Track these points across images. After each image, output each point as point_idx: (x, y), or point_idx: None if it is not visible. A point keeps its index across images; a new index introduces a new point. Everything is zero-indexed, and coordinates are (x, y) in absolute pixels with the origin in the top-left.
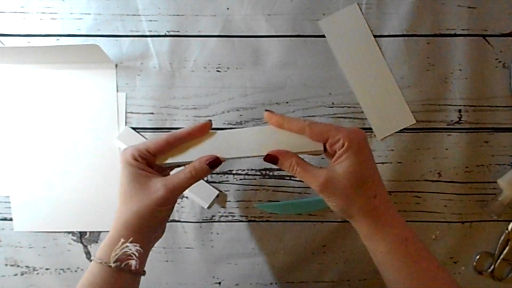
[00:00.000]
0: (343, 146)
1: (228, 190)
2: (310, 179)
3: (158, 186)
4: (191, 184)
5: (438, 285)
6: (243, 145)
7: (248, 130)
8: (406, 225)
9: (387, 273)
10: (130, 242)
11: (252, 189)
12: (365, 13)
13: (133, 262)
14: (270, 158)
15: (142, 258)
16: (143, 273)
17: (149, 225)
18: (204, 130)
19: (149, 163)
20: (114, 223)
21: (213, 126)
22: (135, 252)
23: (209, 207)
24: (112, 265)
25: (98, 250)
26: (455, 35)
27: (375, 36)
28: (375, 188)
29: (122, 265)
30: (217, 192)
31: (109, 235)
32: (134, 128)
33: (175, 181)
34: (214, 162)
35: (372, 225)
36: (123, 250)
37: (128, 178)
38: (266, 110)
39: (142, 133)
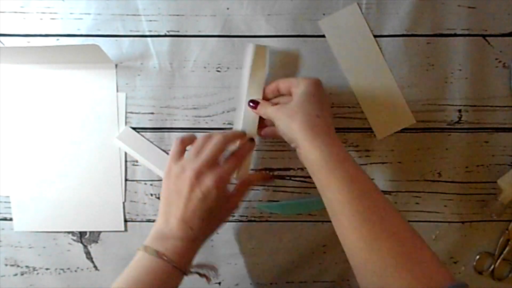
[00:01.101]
0: (299, 85)
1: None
2: (268, 109)
3: (234, 201)
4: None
5: (368, 202)
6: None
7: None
8: (345, 150)
9: (319, 186)
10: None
11: (252, 189)
12: (365, 13)
13: (211, 274)
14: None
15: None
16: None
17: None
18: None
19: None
20: (189, 232)
21: (213, 126)
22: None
23: None
24: (192, 270)
25: (152, 240)
26: (455, 35)
27: (375, 36)
28: (318, 111)
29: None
30: None
31: (177, 235)
32: (134, 128)
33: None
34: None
35: (309, 139)
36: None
37: (216, 202)
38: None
39: (142, 133)
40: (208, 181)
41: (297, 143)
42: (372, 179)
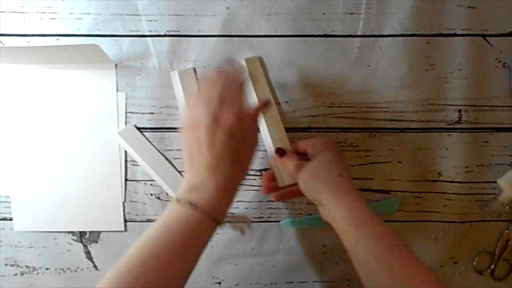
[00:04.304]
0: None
1: None
2: (292, 163)
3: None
4: None
5: (399, 259)
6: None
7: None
8: (369, 207)
9: (348, 244)
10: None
11: (252, 189)
12: (365, 13)
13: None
14: (280, 150)
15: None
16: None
17: None
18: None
19: None
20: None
21: None
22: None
23: None
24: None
25: (183, 193)
26: (455, 35)
27: (375, 36)
28: (340, 170)
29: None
30: None
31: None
32: None
33: None
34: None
35: (334, 199)
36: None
37: (240, 139)
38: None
39: (142, 133)
40: (227, 119)
41: (322, 203)
42: (372, 179)
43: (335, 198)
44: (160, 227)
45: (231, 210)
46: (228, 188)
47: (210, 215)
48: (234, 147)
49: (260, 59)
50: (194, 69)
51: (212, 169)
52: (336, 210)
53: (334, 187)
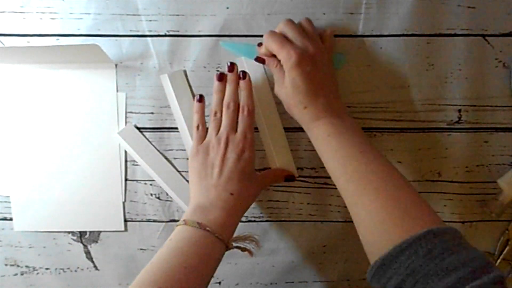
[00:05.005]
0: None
1: None
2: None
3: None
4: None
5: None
6: None
7: None
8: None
9: (324, 156)
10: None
11: None
12: (365, 13)
13: (251, 247)
14: (259, 59)
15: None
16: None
17: None
18: None
19: None
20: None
21: None
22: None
23: None
24: (233, 244)
25: (191, 214)
26: (455, 35)
27: (375, 36)
28: (305, 100)
29: (241, 245)
30: None
31: (223, 213)
32: None
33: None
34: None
35: (305, 127)
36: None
37: (250, 161)
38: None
39: (142, 133)
40: (238, 141)
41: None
42: None
43: (306, 129)
44: (172, 249)
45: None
46: (236, 207)
47: (219, 236)
48: (244, 170)
49: (184, 72)
50: (185, 71)
51: (222, 188)
52: (311, 136)
53: (302, 120)
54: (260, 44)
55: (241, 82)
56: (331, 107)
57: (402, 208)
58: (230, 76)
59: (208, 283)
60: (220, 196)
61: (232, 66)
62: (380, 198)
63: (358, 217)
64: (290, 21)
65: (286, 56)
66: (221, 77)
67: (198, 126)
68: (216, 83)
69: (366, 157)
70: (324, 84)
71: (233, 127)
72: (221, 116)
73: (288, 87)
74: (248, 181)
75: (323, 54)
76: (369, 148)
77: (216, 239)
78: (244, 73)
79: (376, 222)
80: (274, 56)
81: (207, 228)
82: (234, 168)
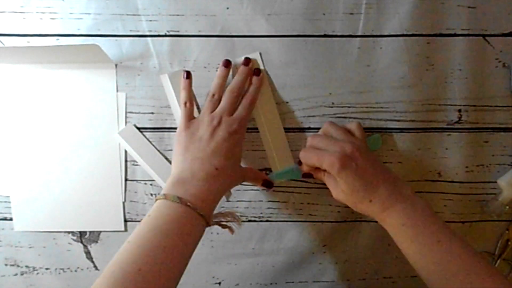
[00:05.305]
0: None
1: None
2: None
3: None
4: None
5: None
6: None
7: None
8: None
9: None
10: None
11: (253, 189)
12: (365, 13)
13: (232, 224)
14: (307, 174)
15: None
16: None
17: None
18: None
19: None
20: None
21: None
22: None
23: None
24: (214, 220)
25: (170, 188)
26: (455, 35)
27: (375, 36)
28: (368, 194)
29: (222, 222)
30: None
31: (204, 187)
32: None
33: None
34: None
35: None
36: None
37: (239, 144)
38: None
39: (142, 133)
40: (232, 122)
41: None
42: None
43: (379, 220)
44: (152, 227)
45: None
46: (218, 183)
47: (200, 212)
48: (231, 148)
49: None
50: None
51: (206, 161)
52: (385, 224)
53: (373, 214)
54: (300, 163)
55: (254, 78)
56: (395, 192)
57: None
58: (242, 68)
59: (188, 260)
60: (204, 168)
61: (247, 61)
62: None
63: None
64: (317, 134)
65: (329, 164)
66: (228, 64)
67: (185, 103)
68: (221, 68)
69: (443, 247)
70: (377, 173)
71: (230, 111)
72: (219, 98)
73: (345, 190)
74: (233, 162)
75: (360, 148)
76: (445, 235)
77: (197, 215)
78: (259, 71)
79: None
80: (318, 169)
81: (188, 204)
82: (222, 144)
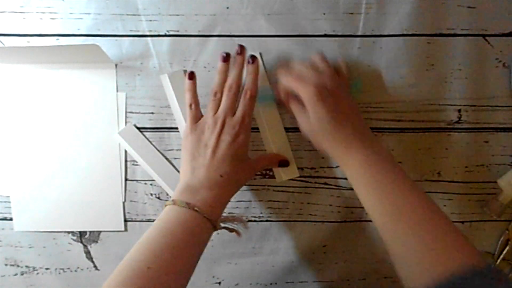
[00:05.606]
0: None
1: None
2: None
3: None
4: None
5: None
6: None
7: None
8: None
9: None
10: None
11: (252, 189)
12: (365, 13)
13: (239, 228)
14: (281, 102)
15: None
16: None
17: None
18: None
19: None
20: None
21: None
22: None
23: None
24: (221, 225)
25: (179, 194)
26: (455, 35)
27: (375, 36)
28: (331, 136)
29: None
30: None
31: (215, 194)
32: None
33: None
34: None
35: (337, 161)
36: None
37: (244, 145)
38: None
39: (142, 133)
40: (235, 124)
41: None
42: None
43: (338, 161)
44: (161, 229)
45: (230, 211)
46: (224, 189)
47: (207, 216)
48: (236, 153)
49: (184, 72)
50: (185, 71)
51: (212, 169)
52: (343, 167)
53: (333, 153)
54: (275, 87)
55: (249, 66)
56: (361, 136)
57: (441, 242)
58: (237, 59)
59: (196, 261)
60: (209, 177)
61: (241, 49)
62: (419, 232)
63: (395, 251)
64: (302, 62)
65: (306, 92)
66: (226, 58)
67: (191, 105)
68: (220, 64)
69: (401, 190)
70: (349, 115)
71: (232, 109)
72: (221, 97)
73: (314, 122)
74: (239, 164)
75: (341, 87)
76: (403, 179)
77: (204, 219)
78: (254, 57)
79: (415, 257)
80: (293, 96)
81: (196, 208)
82: (227, 151)
